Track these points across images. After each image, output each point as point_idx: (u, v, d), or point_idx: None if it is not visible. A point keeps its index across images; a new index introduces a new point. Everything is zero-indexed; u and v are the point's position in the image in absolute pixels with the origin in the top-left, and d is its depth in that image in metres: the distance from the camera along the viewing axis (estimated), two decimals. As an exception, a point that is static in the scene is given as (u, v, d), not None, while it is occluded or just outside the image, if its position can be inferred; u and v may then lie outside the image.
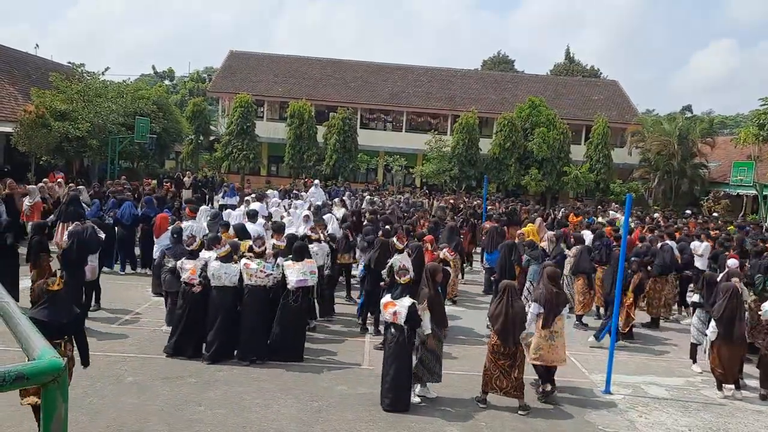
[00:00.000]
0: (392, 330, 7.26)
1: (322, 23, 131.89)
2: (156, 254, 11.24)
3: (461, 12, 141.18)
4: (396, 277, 7.57)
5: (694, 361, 9.56)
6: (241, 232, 10.64)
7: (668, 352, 10.51)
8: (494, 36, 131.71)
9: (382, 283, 9.37)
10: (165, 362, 8.18)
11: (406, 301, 7.18)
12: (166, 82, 58.53)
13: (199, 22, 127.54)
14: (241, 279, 8.35)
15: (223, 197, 20.92)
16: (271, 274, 8.44)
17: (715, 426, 7.39)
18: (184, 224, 11.25)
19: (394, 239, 10.01)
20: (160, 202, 15.48)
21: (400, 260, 8.90)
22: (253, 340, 8.37)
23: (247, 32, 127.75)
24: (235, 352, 8.43)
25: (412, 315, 7.10)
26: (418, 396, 7.47)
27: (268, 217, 13.41)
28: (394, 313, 7.15)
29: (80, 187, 17.15)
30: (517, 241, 12.21)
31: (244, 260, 8.46)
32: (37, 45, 52.41)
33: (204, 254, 8.77)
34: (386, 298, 7.41)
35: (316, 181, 23.07)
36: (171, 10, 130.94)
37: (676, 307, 13.05)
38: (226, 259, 8.38)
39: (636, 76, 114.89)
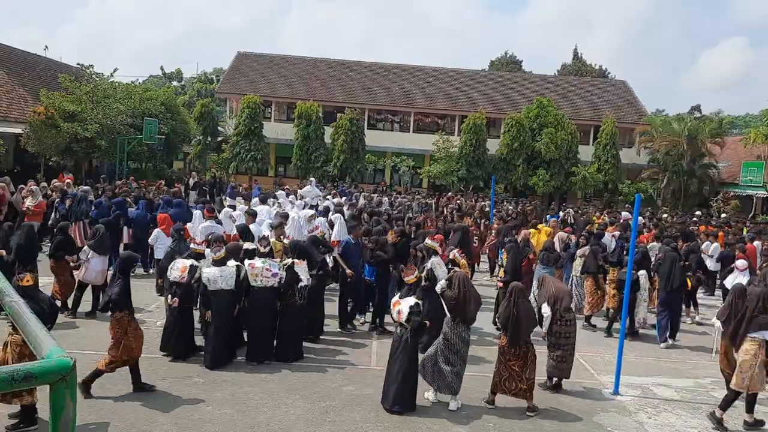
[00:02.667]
0: (398, 329, 7.29)
1: (329, 24, 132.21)
2: (158, 254, 11.31)
3: (468, 13, 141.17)
4: (402, 277, 7.67)
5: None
6: (244, 233, 10.61)
7: (677, 353, 10.45)
8: (501, 36, 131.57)
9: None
10: (172, 363, 8.20)
11: (410, 300, 7.24)
12: (174, 83, 58.72)
13: (208, 23, 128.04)
14: (238, 281, 8.25)
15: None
16: (278, 273, 8.43)
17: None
18: (203, 224, 11.28)
19: (429, 241, 9.93)
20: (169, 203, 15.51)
21: (437, 263, 9.05)
22: (261, 341, 8.37)
23: (255, 33, 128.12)
24: (246, 353, 8.43)
25: (415, 314, 7.12)
26: (430, 400, 7.44)
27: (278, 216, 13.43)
28: (399, 312, 7.19)
29: (86, 187, 17.23)
30: (519, 239, 12.17)
31: (248, 261, 8.44)
32: (47, 47, 52.63)
33: (208, 253, 8.79)
34: (395, 297, 7.46)
35: (312, 179, 22.81)
36: (180, 12, 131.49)
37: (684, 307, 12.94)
38: (221, 262, 8.27)
39: (646, 77, 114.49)
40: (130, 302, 7.22)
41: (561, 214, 19.33)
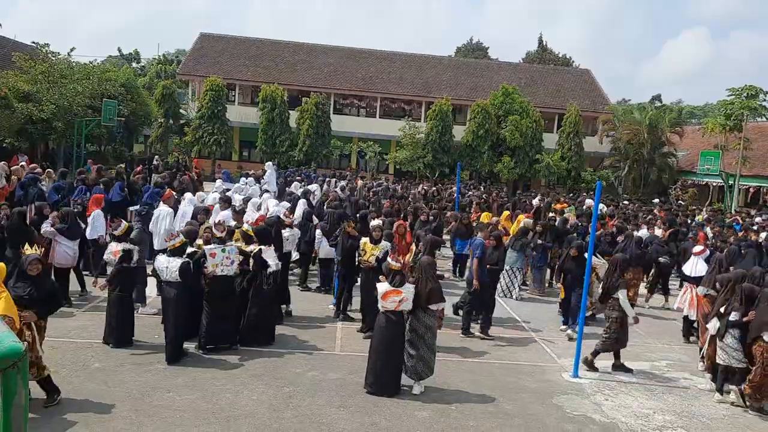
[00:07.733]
0: (392, 317, 7.23)
1: (295, 7, 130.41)
2: (92, 234, 11.12)
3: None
4: (391, 262, 7.68)
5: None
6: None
7: (635, 337, 10.69)
8: (468, 23, 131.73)
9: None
10: (132, 349, 8.06)
11: (411, 287, 7.27)
12: (133, 64, 57.30)
13: (170, 4, 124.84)
14: (185, 275, 7.69)
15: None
16: (235, 261, 8.28)
17: (679, 408, 7.57)
18: (158, 210, 11.14)
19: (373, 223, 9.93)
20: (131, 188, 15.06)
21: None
22: (218, 329, 8.16)
23: (220, 16, 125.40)
24: (200, 340, 8.24)
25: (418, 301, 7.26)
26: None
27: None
28: (399, 301, 7.14)
29: (38, 169, 16.69)
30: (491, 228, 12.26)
31: (208, 248, 8.21)
32: (0, 24, 50.77)
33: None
34: (385, 286, 7.27)
35: (269, 163, 22.12)
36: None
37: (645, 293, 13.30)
38: (175, 252, 7.81)
39: (610, 67, 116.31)
40: None
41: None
